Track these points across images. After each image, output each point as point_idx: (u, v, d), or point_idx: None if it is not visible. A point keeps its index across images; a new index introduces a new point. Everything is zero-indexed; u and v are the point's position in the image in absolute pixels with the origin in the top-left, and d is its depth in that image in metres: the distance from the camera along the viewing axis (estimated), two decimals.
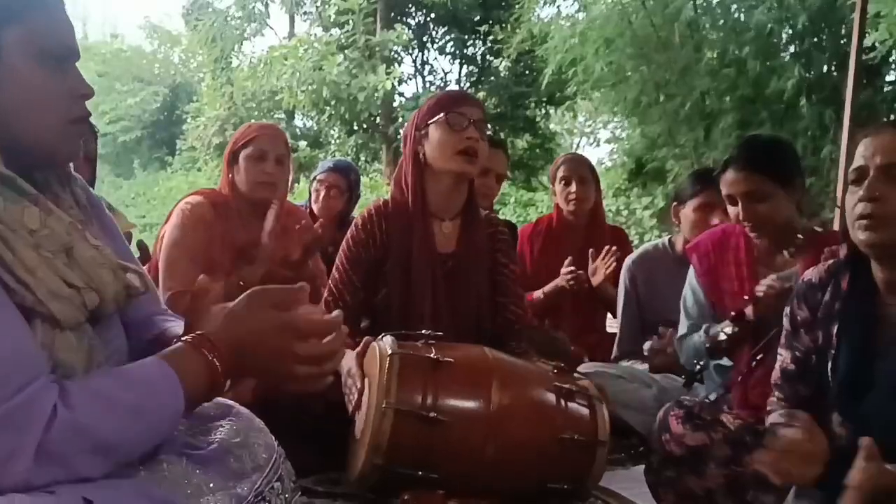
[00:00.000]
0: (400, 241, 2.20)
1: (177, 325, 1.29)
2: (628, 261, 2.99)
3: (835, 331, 1.51)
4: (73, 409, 0.92)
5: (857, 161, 1.45)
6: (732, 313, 2.19)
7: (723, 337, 2.21)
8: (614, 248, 3.04)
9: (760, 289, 2.07)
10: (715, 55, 8.57)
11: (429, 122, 2.19)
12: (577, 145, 19.27)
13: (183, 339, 1.07)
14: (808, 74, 8.12)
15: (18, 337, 0.94)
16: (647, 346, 2.79)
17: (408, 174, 2.23)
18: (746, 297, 2.11)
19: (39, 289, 0.97)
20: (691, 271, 2.42)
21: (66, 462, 0.91)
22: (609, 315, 3.36)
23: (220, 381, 1.05)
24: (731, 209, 2.20)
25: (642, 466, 1.90)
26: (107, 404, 0.95)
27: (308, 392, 1.11)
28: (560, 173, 3.22)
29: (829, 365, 1.51)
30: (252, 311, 1.07)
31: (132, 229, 2.50)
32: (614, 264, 3.01)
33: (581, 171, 3.22)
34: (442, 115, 2.16)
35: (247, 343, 1.05)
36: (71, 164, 1.18)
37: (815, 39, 8.41)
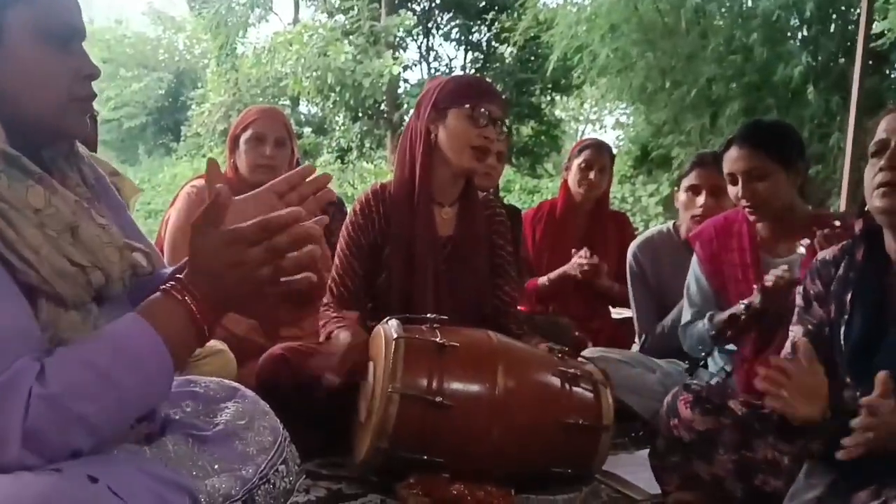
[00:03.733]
0: (401, 226, 2.19)
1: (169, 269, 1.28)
2: (633, 247, 2.98)
3: (849, 298, 1.54)
4: (47, 384, 0.90)
5: (879, 135, 1.49)
6: (743, 303, 2.18)
7: (725, 316, 2.21)
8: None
9: (769, 279, 2.07)
10: (721, 42, 8.50)
11: (450, 106, 2.15)
12: (583, 132, 19.22)
13: (160, 288, 1.03)
14: (815, 62, 8.07)
15: (13, 315, 0.94)
16: None
17: (416, 151, 2.19)
18: (756, 287, 2.11)
19: (43, 267, 0.97)
20: (694, 259, 2.42)
21: (53, 437, 0.90)
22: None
23: (201, 321, 1.01)
24: (730, 189, 2.20)
25: (646, 451, 1.91)
26: (82, 372, 0.93)
27: (294, 290, 1.04)
28: (583, 156, 3.21)
29: (843, 331, 1.53)
30: (199, 238, 1.02)
31: (138, 195, 2.51)
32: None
33: (604, 160, 3.23)
34: (467, 105, 2.12)
35: (207, 270, 1.01)
36: (77, 142, 1.17)
37: (823, 26, 8.35)
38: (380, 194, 2.25)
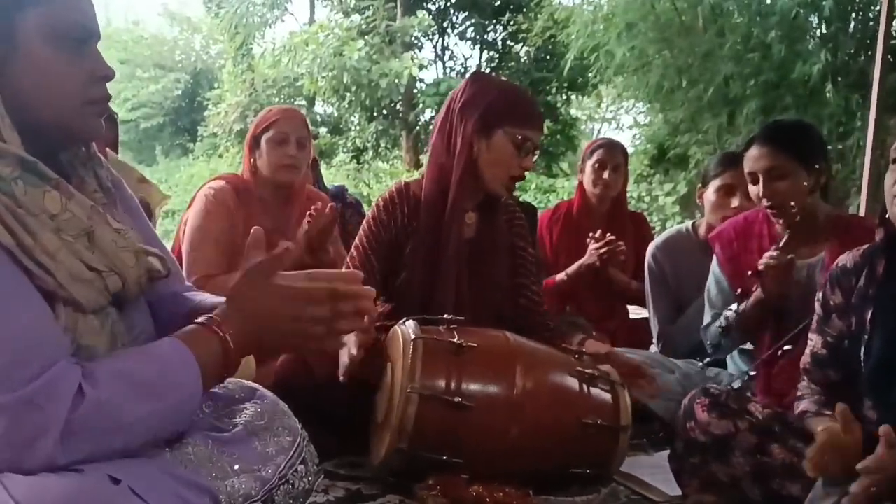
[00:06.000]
0: (428, 228, 2.17)
1: (210, 297, 1.30)
2: (652, 246, 2.97)
3: (869, 316, 1.50)
4: (98, 387, 0.93)
5: None
6: (738, 291, 2.17)
7: (730, 314, 2.20)
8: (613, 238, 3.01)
9: (763, 262, 2.06)
10: (739, 40, 8.43)
11: (500, 125, 2.09)
12: (599, 131, 19.16)
13: (195, 321, 1.08)
14: (834, 59, 7.99)
15: (40, 319, 0.95)
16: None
17: (455, 162, 2.13)
18: (750, 273, 2.09)
19: (60, 272, 0.98)
20: (715, 260, 2.40)
21: (92, 441, 0.92)
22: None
23: (234, 358, 1.07)
24: (751, 188, 2.18)
25: (664, 452, 1.90)
26: (128, 382, 0.96)
27: (326, 351, 1.15)
28: (596, 156, 3.19)
29: (863, 350, 1.49)
30: (255, 287, 1.08)
31: (166, 201, 2.52)
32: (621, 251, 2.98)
33: (617, 158, 3.20)
34: (518, 134, 2.09)
35: (258, 319, 1.07)
36: (94, 146, 1.17)
37: (842, 24, 8.27)
38: (404, 193, 2.23)
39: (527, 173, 2.24)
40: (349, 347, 1.92)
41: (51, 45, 1.03)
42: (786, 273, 2.06)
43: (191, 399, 1.03)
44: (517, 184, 2.24)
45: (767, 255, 2.07)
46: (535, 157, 2.19)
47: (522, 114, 2.13)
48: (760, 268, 2.06)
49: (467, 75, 2.36)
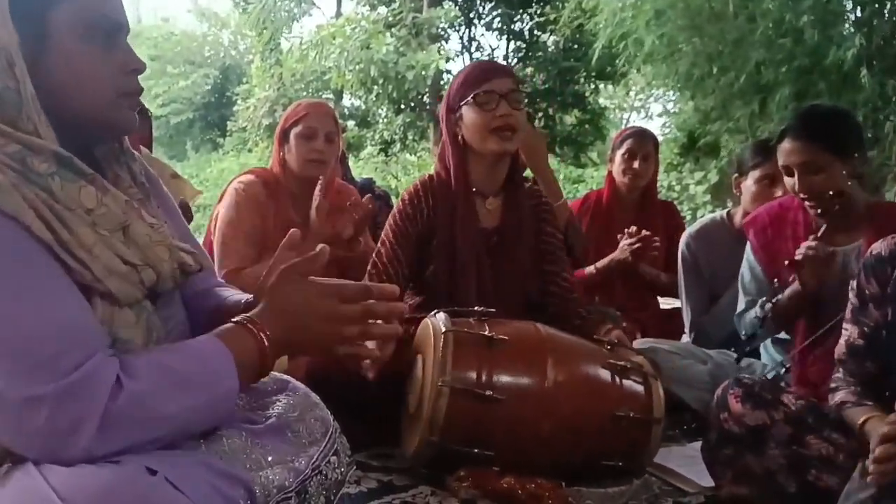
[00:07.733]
0: (445, 218, 2.20)
1: (236, 294, 1.31)
2: (686, 235, 2.94)
3: None
4: (137, 379, 0.94)
5: None
6: (775, 282, 2.13)
7: (767, 306, 2.16)
8: (649, 234, 2.97)
9: (801, 251, 2.01)
10: (770, 25, 8.26)
11: (460, 103, 2.18)
12: (628, 120, 18.98)
13: (232, 320, 1.09)
14: (869, 44, 7.81)
15: (78, 312, 0.97)
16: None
17: (450, 155, 2.23)
18: (787, 263, 2.05)
19: (96, 266, 0.99)
20: (748, 247, 2.37)
21: (128, 432, 0.93)
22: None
23: (269, 357, 1.08)
24: (787, 180, 2.13)
25: (697, 443, 1.88)
26: (167, 376, 0.97)
27: (356, 356, 1.12)
28: (626, 145, 3.17)
29: None
30: (290, 285, 1.10)
31: (198, 196, 2.54)
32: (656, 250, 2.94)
33: (647, 147, 3.17)
34: (470, 96, 2.15)
35: (293, 316, 1.08)
36: (127, 140, 1.19)
37: (877, 7, 8.09)
38: (428, 185, 2.25)
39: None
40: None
41: (82, 38, 1.04)
42: (826, 265, 2.01)
43: (227, 396, 1.04)
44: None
45: (805, 245, 2.02)
46: (516, 105, 2.15)
47: (472, 77, 2.19)
48: (798, 258, 2.02)
49: None
